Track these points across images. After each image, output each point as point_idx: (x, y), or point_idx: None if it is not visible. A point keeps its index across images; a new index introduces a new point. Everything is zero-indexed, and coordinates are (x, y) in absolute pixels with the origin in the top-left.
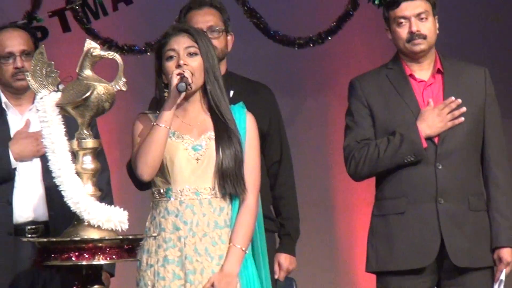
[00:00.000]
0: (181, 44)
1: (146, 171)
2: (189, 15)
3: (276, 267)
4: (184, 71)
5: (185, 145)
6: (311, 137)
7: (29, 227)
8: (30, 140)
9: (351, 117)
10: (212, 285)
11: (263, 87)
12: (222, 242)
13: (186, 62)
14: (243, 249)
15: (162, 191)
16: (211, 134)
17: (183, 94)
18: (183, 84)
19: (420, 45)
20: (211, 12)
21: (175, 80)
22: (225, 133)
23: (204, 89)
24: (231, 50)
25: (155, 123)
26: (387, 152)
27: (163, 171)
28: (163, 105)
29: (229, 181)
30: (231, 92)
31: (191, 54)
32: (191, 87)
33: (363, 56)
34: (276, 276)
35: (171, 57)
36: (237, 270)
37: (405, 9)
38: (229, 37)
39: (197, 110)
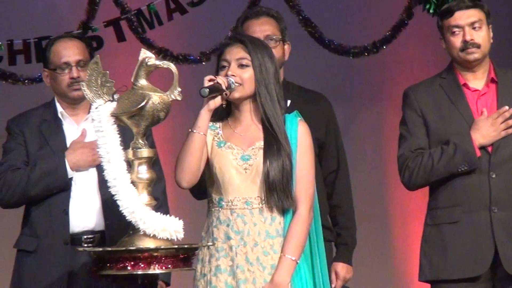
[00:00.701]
0: (233, 55)
1: (182, 177)
2: (246, 24)
3: (333, 276)
4: (216, 77)
5: (234, 155)
6: (366, 146)
7: (85, 237)
8: (86, 149)
9: (405, 126)
10: None
11: (320, 96)
12: (274, 252)
13: (234, 73)
14: (293, 259)
15: (215, 200)
16: (260, 144)
17: (213, 101)
18: (205, 89)
19: (474, 54)
20: (268, 21)
21: (205, 84)
22: (274, 145)
23: (255, 100)
24: (291, 60)
25: (190, 130)
26: (441, 162)
27: (215, 181)
28: (200, 111)
29: (275, 194)
30: (288, 102)
31: (242, 66)
32: (226, 94)
33: (417, 65)
34: (333, 286)
35: (223, 67)
36: (287, 280)
37: (459, 18)
38: (286, 46)
39: (248, 120)
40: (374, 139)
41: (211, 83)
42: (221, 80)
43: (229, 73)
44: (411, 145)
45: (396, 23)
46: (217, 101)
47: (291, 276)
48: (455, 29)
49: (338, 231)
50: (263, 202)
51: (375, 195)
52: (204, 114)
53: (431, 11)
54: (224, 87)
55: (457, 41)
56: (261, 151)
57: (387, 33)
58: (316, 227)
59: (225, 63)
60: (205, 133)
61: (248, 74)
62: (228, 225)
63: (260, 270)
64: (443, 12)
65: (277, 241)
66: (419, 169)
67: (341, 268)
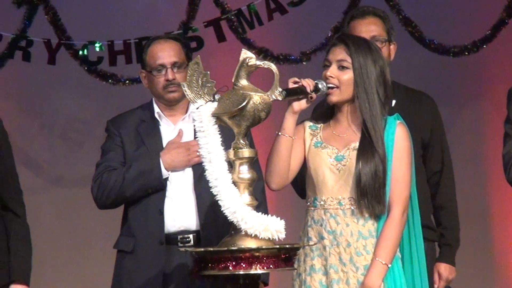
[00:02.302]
0: (335, 55)
1: (271, 179)
2: (352, 24)
3: (435, 277)
4: (301, 80)
5: (329, 155)
6: (467, 146)
7: (180, 236)
8: (181, 150)
9: (510, 125)
10: None
11: (425, 96)
12: (367, 253)
13: (333, 75)
14: (384, 262)
15: (310, 200)
16: (355, 145)
17: (298, 103)
18: (283, 91)
19: None
20: (374, 21)
21: (289, 86)
22: (368, 148)
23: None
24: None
25: (277, 132)
26: None
27: (310, 180)
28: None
29: (366, 199)
30: (393, 102)
31: (342, 68)
32: (311, 97)
33: None
34: (436, 286)
35: (326, 66)
36: (378, 283)
37: None
38: (392, 46)
39: (347, 122)
40: (475, 139)
41: (295, 85)
42: (306, 82)
43: (328, 74)
44: None
45: (496, 22)
46: (302, 104)
47: (382, 280)
48: None
49: (441, 232)
50: (355, 203)
51: (475, 194)
52: (289, 117)
53: None
54: (309, 90)
55: None
56: (355, 153)
57: (487, 32)
58: (415, 228)
59: (327, 63)
60: (291, 135)
61: (347, 76)
62: (321, 225)
63: (353, 270)
64: None
65: (369, 242)
66: None
67: (444, 268)
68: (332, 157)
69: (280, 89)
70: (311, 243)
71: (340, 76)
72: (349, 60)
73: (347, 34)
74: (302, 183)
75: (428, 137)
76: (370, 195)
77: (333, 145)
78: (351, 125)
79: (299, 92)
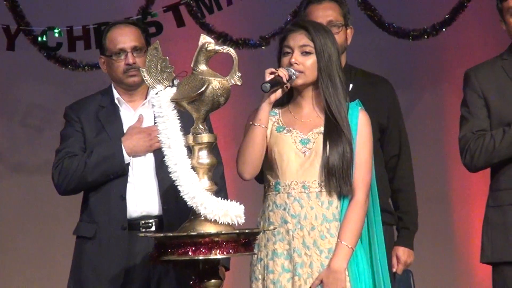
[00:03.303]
0: (296, 41)
1: (244, 169)
2: (309, 9)
3: (394, 261)
4: (277, 70)
5: (293, 139)
6: (427, 129)
7: (143, 222)
8: (143, 135)
9: (467, 108)
10: (321, 281)
11: (383, 80)
12: (331, 236)
13: (297, 61)
14: (349, 246)
15: (271, 184)
16: (321, 129)
17: (274, 94)
18: (266, 84)
19: None
20: (331, 6)
21: (266, 78)
22: (334, 130)
23: (317, 87)
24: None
25: (250, 122)
26: (503, 143)
27: (272, 164)
28: (260, 104)
29: (334, 179)
30: (351, 86)
31: (306, 53)
32: (287, 87)
33: (477, 48)
34: (394, 270)
35: (286, 53)
36: (344, 266)
37: None
38: (348, 31)
39: (309, 107)
40: (435, 122)
41: (272, 76)
42: (282, 73)
43: (292, 60)
44: (473, 127)
45: (456, 5)
46: (277, 94)
47: (347, 262)
48: None
49: (399, 215)
50: (321, 186)
51: (436, 177)
52: (265, 107)
53: None
54: (285, 80)
55: None
56: (321, 136)
57: (447, 16)
58: (375, 212)
59: (288, 50)
60: (266, 126)
61: (311, 61)
62: (284, 209)
63: (317, 253)
64: None
65: (333, 225)
66: (481, 151)
67: (402, 252)
68: (297, 141)
69: (265, 84)
70: (271, 227)
71: (304, 62)
72: (312, 44)
73: (304, 19)
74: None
75: (385, 121)
76: (338, 176)
77: (296, 129)
78: (315, 109)
79: (277, 83)
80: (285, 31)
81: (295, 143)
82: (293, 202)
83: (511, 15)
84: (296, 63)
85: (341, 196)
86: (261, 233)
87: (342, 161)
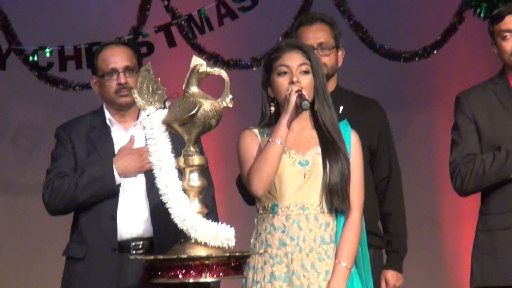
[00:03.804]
0: (294, 60)
1: (261, 187)
2: (300, 30)
3: (383, 284)
4: (302, 88)
5: (292, 160)
6: (417, 152)
7: (133, 243)
8: (134, 156)
9: (457, 132)
10: None
11: (373, 102)
12: (328, 258)
13: (299, 80)
14: (348, 266)
15: (267, 207)
16: (318, 149)
17: (294, 110)
18: (307, 102)
19: None
20: (322, 28)
21: (294, 97)
22: (332, 149)
23: (312, 106)
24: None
25: (270, 140)
26: (493, 168)
27: (270, 187)
28: (279, 121)
29: (336, 196)
30: (341, 108)
31: (304, 72)
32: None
33: (468, 70)
34: None
35: (284, 73)
36: (343, 286)
37: (509, 22)
38: (339, 53)
39: (302, 125)
40: (426, 145)
41: (296, 94)
42: (305, 91)
43: (294, 79)
44: (463, 151)
45: (447, 27)
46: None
47: (346, 283)
48: (506, 34)
49: (388, 239)
50: (320, 207)
51: (426, 200)
52: (285, 124)
53: (481, 15)
54: (308, 99)
55: (507, 45)
56: (319, 157)
57: (438, 38)
58: (362, 234)
59: (285, 69)
60: (285, 143)
61: (308, 80)
62: (283, 231)
63: (315, 276)
64: (493, 17)
65: (330, 247)
66: (471, 175)
67: (391, 276)
68: (296, 163)
69: (306, 102)
70: (261, 250)
71: (302, 81)
72: (309, 63)
73: (295, 40)
74: None
75: (375, 143)
76: (339, 193)
77: (293, 150)
78: (308, 128)
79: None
80: (278, 50)
81: (294, 165)
82: (292, 224)
83: (502, 38)
84: (298, 81)
85: (337, 217)
86: (256, 256)
87: (341, 179)
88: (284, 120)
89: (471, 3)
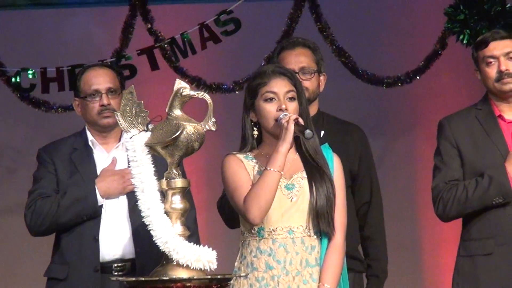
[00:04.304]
0: (282, 87)
1: (259, 215)
2: (282, 54)
3: None
4: (298, 117)
5: (278, 185)
6: (398, 177)
7: (115, 265)
8: (116, 177)
9: (440, 157)
10: None
11: (355, 127)
12: (313, 281)
13: (287, 107)
14: None
15: (253, 230)
16: (303, 173)
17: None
18: (310, 131)
19: (509, 84)
20: (304, 52)
21: (292, 126)
22: (317, 173)
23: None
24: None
25: (268, 168)
26: (476, 194)
27: None
28: (276, 149)
29: (323, 219)
30: (322, 132)
31: (290, 99)
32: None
33: (450, 96)
34: None
35: (270, 99)
36: None
37: (493, 48)
38: (321, 77)
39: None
40: (406, 170)
41: (293, 122)
42: (301, 119)
43: (283, 107)
44: (446, 177)
45: (430, 53)
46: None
47: None
48: (490, 60)
49: (369, 263)
50: (306, 230)
51: (407, 225)
52: (284, 152)
53: (464, 41)
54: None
55: (492, 71)
56: (305, 180)
57: (421, 63)
58: None
59: (272, 95)
60: (282, 171)
61: (294, 107)
62: (269, 255)
63: None
64: (478, 43)
65: (315, 270)
66: (453, 201)
67: None
68: (282, 187)
69: (309, 131)
70: (242, 274)
71: (289, 108)
72: (295, 90)
73: (280, 66)
74: (232, 213)
75: (356, 168)
76: (325, 216)
77: None
78: (292, 153)
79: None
80: (263, 76)
81: (280, 189)
82: (279, 248)
83: (487, 64)
84: (286, 109)
85: (321, 240)
86: (241, 279)
87: (326, 202)
88: (282, 148)
89: (454, 29)
